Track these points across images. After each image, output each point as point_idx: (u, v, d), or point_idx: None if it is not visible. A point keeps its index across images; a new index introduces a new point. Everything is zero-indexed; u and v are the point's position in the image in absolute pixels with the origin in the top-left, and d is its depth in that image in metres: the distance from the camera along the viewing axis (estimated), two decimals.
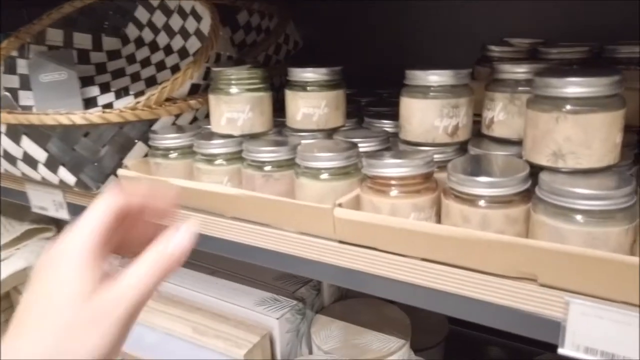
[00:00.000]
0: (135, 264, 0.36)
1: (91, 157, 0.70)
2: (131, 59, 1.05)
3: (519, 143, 0.56)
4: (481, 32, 0.94)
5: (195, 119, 0.82)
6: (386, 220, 0.50)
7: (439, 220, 0.53)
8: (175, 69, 0.99)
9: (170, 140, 0.70)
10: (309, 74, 0.66)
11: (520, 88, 0.55)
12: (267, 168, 0.62)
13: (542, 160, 0.47)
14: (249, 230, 0.61)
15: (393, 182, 0.52)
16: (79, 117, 0.69)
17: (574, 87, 0.44)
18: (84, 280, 0.34)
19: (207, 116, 0.84)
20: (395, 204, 0.51)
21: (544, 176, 0.46)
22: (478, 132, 0.60)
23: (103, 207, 0.37)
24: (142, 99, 0.73)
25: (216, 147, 0.66)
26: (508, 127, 0.56)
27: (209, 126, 0.75)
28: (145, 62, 1.03)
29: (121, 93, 0.95)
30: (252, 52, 1.07)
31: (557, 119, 0.45)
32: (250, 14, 1.09)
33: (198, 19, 0.96)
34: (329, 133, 0.69)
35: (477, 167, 0.50)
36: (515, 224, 0.47)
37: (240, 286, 0.89)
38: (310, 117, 0.67)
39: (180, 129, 0.73)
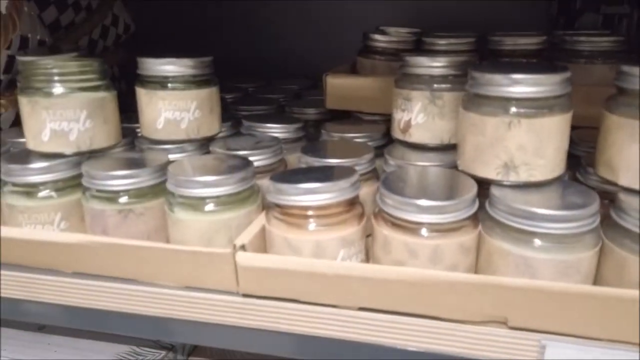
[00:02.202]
0: None
1: None
2: None
3: (439, 149, 0.49)
4: (349, 23, 0.87)
5: None
6: (315, 265, 0.37)
7: (366, 253, 0.42)
8: None
9: None
10: (172, 67, 0.50)
11: (437, 85, 0.47)
12: (123, 200, 0.44)
13: (491, 173, 0.39)
14: (104, 291, 0.43)
15: (312, 212, 0.39)
16: None
17: (526, 86, 0.37)
18: None
19: (16, 124, 0.61)
20: (319, 242, 0.39)
21: (496, 192, 0.38)
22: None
23: None
24: None
25: (38, 172, 0.46)
26: (429, 131, 0.48)
27: (21, 140, 0.53)
28: None
29: None
30: (70, 35, 0.84)
31: (509, 124, 0.37)
32: None
33: None
34: (203, 144, 0.53)
35: (414, 186, 0.40)
36: (469, 253, 0.38)
37: (86, 343, 0.68)
38: (177, 123, 0.51)
39: None
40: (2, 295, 0.45)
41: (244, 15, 0.97)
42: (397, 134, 0.50)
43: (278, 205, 0.40)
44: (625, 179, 0.37)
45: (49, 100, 0.45)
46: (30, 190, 0.46)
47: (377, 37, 0.68)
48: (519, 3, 0.89)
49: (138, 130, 0.54)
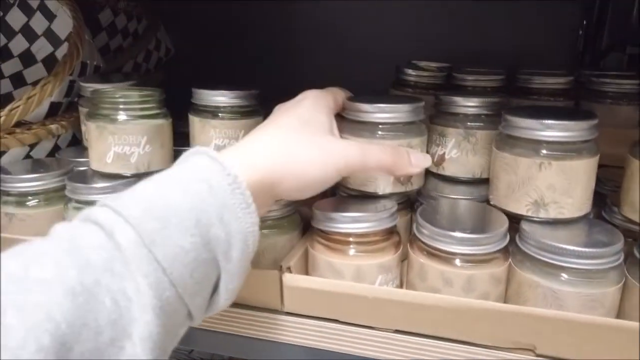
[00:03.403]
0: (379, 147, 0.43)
1: None
2: None
3: (471, 183, 0.52)
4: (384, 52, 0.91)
5: (56, 148, 0.63)
6: (357, 288, 0.40)
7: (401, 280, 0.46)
8: (17, 78, 0.76)
9: (29, 182, 0.52)
10: (223, 98, 0.54)
11: (470, 123, 0.50)
12: None
13: (522, 210, 0.42)
14: None
15: (353, 238, 0.43)
16: None
17: (557, 131, 0.40)
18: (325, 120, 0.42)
19: (73, 143, 0.66)
20: (360, 266, 0.42)
21: (527, 228, 0.41)
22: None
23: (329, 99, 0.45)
24: None
25: (101, 191, 0.50)
26: (462, 165, 0.51)
27: (79, 159, 0.58)
28: None
29: None
30: (118, 59, 0.89)
31: (540, 165, 0.41)
32: (115, 14, 0.91)
33: (50, 16, 0.75)
34: None
35: (449, 218, 0.43)
36: (499, 284, 0.41)
37: None
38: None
39: (41, 165, 0.55)
40: None
41: (270, 43, 1.01)
42: (431, 167, 0.53)
43: (322, 231, 0.44)
44: None
45: (114, 127, 0.49)
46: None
47: (410, 71, 0.71)
48: (545, 37, 0.92)
49: None
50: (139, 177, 0.52)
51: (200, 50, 1.01)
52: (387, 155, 0.42)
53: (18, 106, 0.55)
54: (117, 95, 0.50)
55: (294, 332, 0.43)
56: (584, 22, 0.93)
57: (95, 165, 0.51)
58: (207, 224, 0.30)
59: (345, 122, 0.47)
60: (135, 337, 0.27)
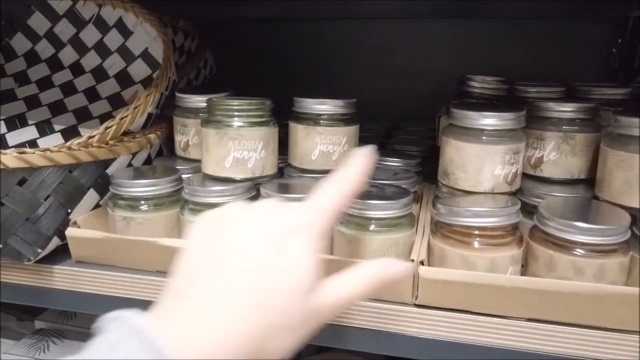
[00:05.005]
0: (347, 275, 0.32)
1: (26, 213, 0.49)
2: (22, 78, 0.80)
3: (568, 183, 0.55)
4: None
5: (149, 158, 0.65)
6: (494, 278, 0.43)
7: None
8: (91, 92, 0.78)
9: (144, 187, 0.53)
10: (326, 107, 0.57)
11: (567, 127, 0.54)
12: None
13: (639, 203, 0.45)
14: None
15: (479, 232, 0.45)
16: (11, 157, 0.48)
17: None
18: (311, 271, 0.30)
19: (160, 154, 0.68)
20: (495, 259, 0.44)
21: None
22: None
23: (357, 170, 0.33)
24: (96, 133, 0.54)
25: (220, 194, 0.52)
26: (560, 167, 0.54)
27: (180, 167, 0.60)
28: (45, 83, 0.80)
29: (44, 128, 0.71)
30: (178, 75, 0.92)
31: None
32: (175, 32, 0.93)
33: (125, 33, 0.78)
34: None
35: (575, 213, 0.46)
36: (625, 272, 0.44)
37: None
38: (330, 155, 0.57)
39: (151, 172, 0.57)
40: None
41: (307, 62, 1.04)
42: (526, 168, 0.56)
43: (449, 225, 0.46)
44: None
45: (234, 132, 0.52)
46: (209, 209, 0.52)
47: (474, 83, 0.75)
48: (578, 56, 0.97)
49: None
50: (252, 180, 0.54)
51: (236, 69, 1.04)
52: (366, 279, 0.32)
53: (127, 115, 0.57)
54: (234, 104, 0.53)
55: (426, 324, 0.45)
56: (619, 41, 0.99)
57: (212, 169, 0.53)
58: None
59: (448, 127, 0.50)
60: None
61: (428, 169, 0.66)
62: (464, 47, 1.00)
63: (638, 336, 0.41)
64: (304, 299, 0.29)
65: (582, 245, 0.43)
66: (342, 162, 0.34)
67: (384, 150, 0.74)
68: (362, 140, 0.77)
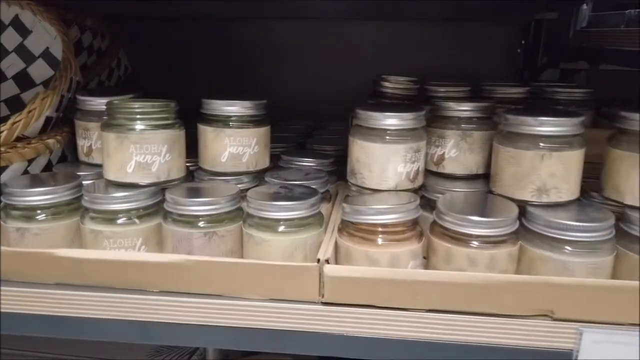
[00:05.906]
0: None
1: None
2: None
3: (468, 178, 0.58)
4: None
5: (49, 164, 0.61)
6: (395, 273, 0.44)
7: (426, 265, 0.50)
8: None
9: (40, 195, 0.50)
10: (235, 108, 0.56)
11: (465, 125, 0.57)
12: (202, 224, 0.49)
13: (527, 196, 0.49)
14: (193, 307, 0.47)
15: (382, 229, 0.47)
16: None
17: (556, 126, 0.47)
18: None
19: (63, 159, 0.65)
20: (395, 254, 0.46)
21: (534, 211, 0.47)
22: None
23: None
24: None
25: (123, 201, 0.50)
26: (460, 163, 0.57)
27: (82, 173, 0.57)
28: None
29: None
30: (88, 76, 0.88)
31: (542, 156, 0.47)
32: (82, 31, 0.89)
33: (24, 31, 0.73)
34: (257, 175, 0.59)
35: (470, 207, 0.48)
36: (514, 261, 0.47)
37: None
38: (240, 157, 0.57)
39: (47, 179, 0.54)
40: (90, 315, 0.48)
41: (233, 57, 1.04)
42: (429, 165, 0.58)
43: (353, 224, 0.47)
44: (630, 199, 0.48)
45: (136, 136, 0.50)
46: (113, 217, 0.50)
47: (387, 84, 0.77)
48: (489, 56, 1.03)
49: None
50: (157, 185, 0.53)
51: (153, 68, 1.01)
52: None
53: (20, 120, 0.54)
54: (135, 106, 0.51)
55: (333, 321, 0.46)
56: (522, 42, 1.05)
57: (114, 175, 0.51)
58: None
59: (355, 128, 0.52)
60: None
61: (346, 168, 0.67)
62: (385, 48, 1.02)
63: (522, 319, 0.44)
64: None
65: (476, 237, 0.45)
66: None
67: (300, 150, 0.75)
68: (282, 141, 0.77)
